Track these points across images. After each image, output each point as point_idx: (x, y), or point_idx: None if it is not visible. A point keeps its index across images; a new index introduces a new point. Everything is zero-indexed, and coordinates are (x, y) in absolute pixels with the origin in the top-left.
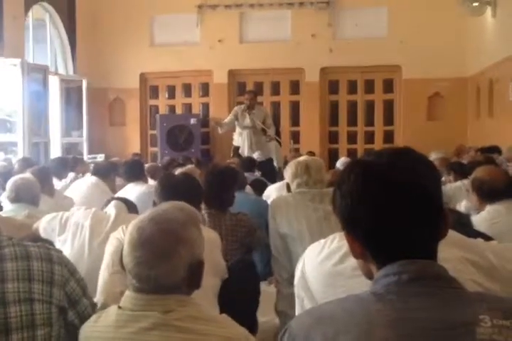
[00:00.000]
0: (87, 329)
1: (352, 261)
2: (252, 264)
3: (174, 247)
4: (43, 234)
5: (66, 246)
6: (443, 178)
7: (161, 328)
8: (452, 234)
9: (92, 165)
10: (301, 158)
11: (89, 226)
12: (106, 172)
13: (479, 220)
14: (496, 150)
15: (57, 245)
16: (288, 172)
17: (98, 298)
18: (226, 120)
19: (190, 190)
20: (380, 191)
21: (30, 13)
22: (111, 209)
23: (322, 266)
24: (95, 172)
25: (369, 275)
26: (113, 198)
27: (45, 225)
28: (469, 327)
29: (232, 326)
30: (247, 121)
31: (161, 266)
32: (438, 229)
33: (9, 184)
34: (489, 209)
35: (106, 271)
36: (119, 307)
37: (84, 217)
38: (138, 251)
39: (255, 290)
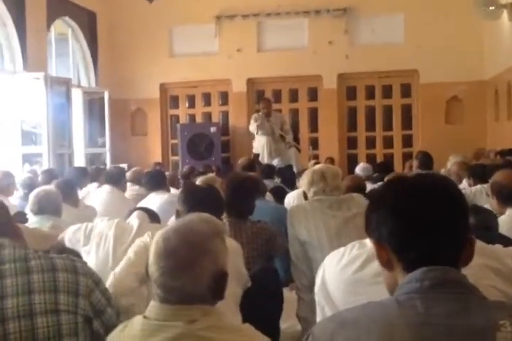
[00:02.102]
0: (112, 339)
1: (372, 268)
2: (275, 272)
3: (198, 258)
4: (68, 244)
5: (91, 256)
6: (464, 182)
7: (185, 338)
8: None
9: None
10: (317, 167)
11: (113, 236)
12: (118, 179)
13: (499, 224)
14: None
15: (82, 255)
16: (304, 181)
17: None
18: (256, 125)
19: (213, 199)
20: (407, 196)
21: (52, 28)
22: (133, 220)
23: (342, 273)
24: (108, 181)
25: (391, 288)
26: (135, 208)
27: (70, 236)
28: (489, 331)
29: (255, 335)
30: (267, 127)
31: (184, 277)
32: (462, 238)
33: (31, 197)
34: (509, 212)
35: (129, 267)
36: (145, 317)
37: (107, 227)
38: (163, 261)
39: (279, 297)
